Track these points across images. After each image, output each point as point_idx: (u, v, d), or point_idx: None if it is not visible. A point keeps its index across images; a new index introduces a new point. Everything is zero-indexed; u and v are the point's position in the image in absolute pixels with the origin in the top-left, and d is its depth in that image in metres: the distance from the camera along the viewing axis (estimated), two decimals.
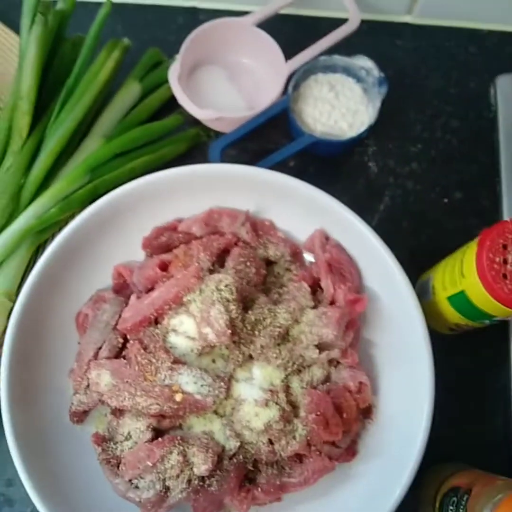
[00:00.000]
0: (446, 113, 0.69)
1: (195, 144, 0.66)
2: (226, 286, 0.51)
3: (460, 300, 0.49)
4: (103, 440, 0.52)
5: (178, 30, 0.70)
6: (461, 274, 0.48)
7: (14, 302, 0.56)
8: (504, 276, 0.43)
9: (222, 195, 0.59)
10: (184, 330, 0.52)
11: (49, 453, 0.52)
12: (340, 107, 0.64)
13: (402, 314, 0.54)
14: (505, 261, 0.43)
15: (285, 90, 0.63)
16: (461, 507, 0.43)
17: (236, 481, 0.50)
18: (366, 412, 0.55)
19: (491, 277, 0.43)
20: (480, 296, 0.45)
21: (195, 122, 0.66)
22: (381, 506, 0.50)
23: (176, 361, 0.51)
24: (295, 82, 0.63)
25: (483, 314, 0.48)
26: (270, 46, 0.64)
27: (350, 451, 0.54)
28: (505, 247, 0.43)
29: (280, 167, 0.59)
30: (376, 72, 0.63)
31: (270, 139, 0.66)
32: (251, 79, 0.68)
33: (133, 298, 0.55)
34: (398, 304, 0.54)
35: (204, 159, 0.66)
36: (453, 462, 0.54)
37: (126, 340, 0.54)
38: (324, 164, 0.67)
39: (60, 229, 0.60)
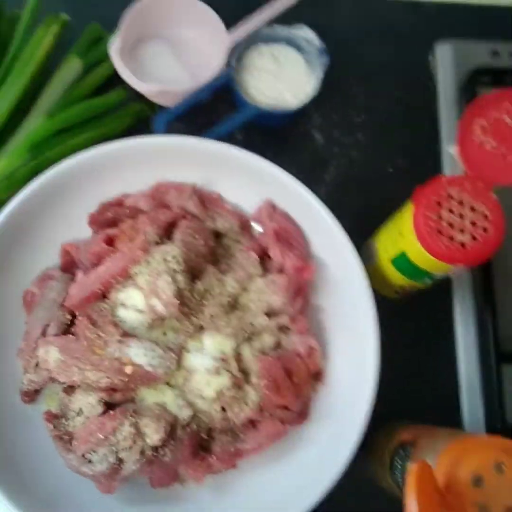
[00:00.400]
0: (388, 82, 0.70)
1: (139, 120, 0.65)
2: (173, 257, 0.51)
3: (401, 261, 0.51)
4: (55, 418, 0.52)
5: (119, 5, 0.69)
6: (400, 234, 0.49)
7: None
8: (439, 232, 0.44)
9: (168, 168, 0.59)
10: (133, 303, 0.52)
11: (1, 435, 0.52)
12: (283, 78, 0.64)
13: (348, 279, 0.55)
14: (440, 217, 0.44)
15: (228, 62, 0.63)
16: (407, 459, 0.45)
17: (189, 449, 0.51)
18: (317, 376, 0.56)
19: (427, 234, 0.44)
20: (419, 255, 0.47)
21: (140, 97, 0.66)
22: (333, 466, 0.51)
23: (125, 334, 0.51)
24: (238, 54, 0.63)
25: (424, 272, 0.49)
26: (210, 17, 0.63)
27: (302, 414, 0.55)
28: (439, 204, 0.44)
29: (227, 140, 0.59)
30: (317, 42, 0.63)
31: (217, 112, 0.66)
32: (194, 52, 0.68)
33: (79, 274, 0.54)
34: (344, 270, 0.55)
35: (149, 134, 0.65)
36: (400, 421, 0.56)
37: (74, 317, 0.53)
38: (270, 136, 0.67)
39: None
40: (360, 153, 0.67)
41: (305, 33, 0.64)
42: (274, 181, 0.57)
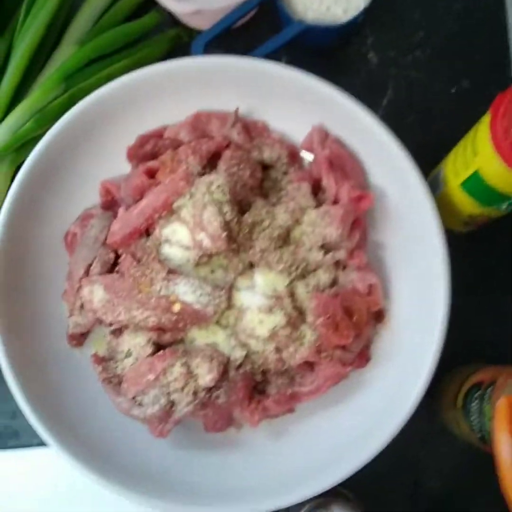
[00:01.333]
0: None
1: (176, 46, 0.61)
2: (217, 187, 0.47)
3: (474, 183, 0.45)
4: (103, 360, 0.50)
5: None
6: (474, 153, 0.43)
7: None
8: None
9: (209, 96, 0.55)
10: (178, 239, 0.48)
11: (49, 382, 0.50)
12: None
13: (413, 211, 0.50)
14: None
15: None
16: (486, 397, 0.41)
17: (244, 391, 0.48)
18: (378, 316, 0.52)
19: (508, 146, 0.38)
20: (497, 172, 0.41)
21: (176, 23, 0.61)
22: (398, 409, 0.47)
23: (171, 271, 0.47)
24: None
25: (500, 195, 0.44)
26: None
27: (363, 357, 0.51)
28: None
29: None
30: None
31: (259, 34, 0.60)
32: None
33: (121, 210, 0.51)
34: (408, 200, 0.50)
35: None
36: (472, 364, 0.51)
37: (118, 255, 0.51)
38: (318, 57, 0.61)
39: None
40: (419, 73, 0.61)
41: None
42: (326, 102, 0.51)
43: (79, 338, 0.52)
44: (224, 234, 0.46)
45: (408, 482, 0.55)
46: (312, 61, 0.61)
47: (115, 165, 0.55)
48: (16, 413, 0.56)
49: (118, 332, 0.50)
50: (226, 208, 0.47)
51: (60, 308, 0.53)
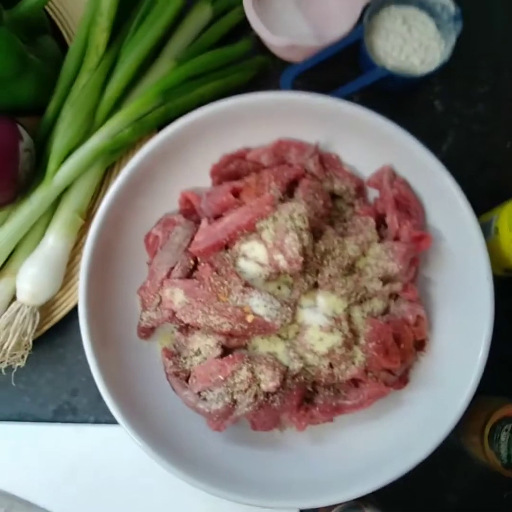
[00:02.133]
0: None
1: (261, 72, 0.66)
2: (299, 215, 0.52)
3: None
4: (172, 355, 0.55)
5: None
6: None
7: (84, 219, 0.58)
8: None
9: (289, 125, 0.59)
10: (255, 255, 0.53)
11: (120, 363, 0.55)
12: (413, 42, 0.63)
13: (465, 253, 0.55)
14: None
15: (359, 22, 0.62)
16: None
17: (297, 399, 0.54)
18: (420, 345, 0.58)
19: None
20: None
21: (262, 49, 0.66)
22: (433, 432, 0.53)
23: (246, 284, 0.53)
24: (368, 14, 0.62)
25: None
26: None
27: (403, 379, 0.57)
28: None
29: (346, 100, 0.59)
30: (452, 7, 0.62)
31: (337, 72, 0.65)
32: (320, 7, 0.66)
33: (204, 222, 0.56)
34: (462, 243, 0.56)
35: (270, 88, 0.65)
36: (500, 396, 0.57)
37: (196, 262, 0.56)
38: (388, 100, 0.66)
39: (129, 151, 0.61)
40: (480, 125, 0.66)
41: None
42: (396, 143, 0.56)
43: (148, 331, 0.57)
44: (302, 259, 0.51)
45: (427, 496, 0.61)
46: (381, 102, 0.66)
47: (195, 178, 0.60)
48: (78, 391, 0.62)
49: (186, 330, 0.55)
50: (305, 235, 0.52)
51: (133, 301, 0.58)
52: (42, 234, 0.57)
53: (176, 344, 0.56)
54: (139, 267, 0.58)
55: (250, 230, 0.53)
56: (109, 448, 0.60)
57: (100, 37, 0.55)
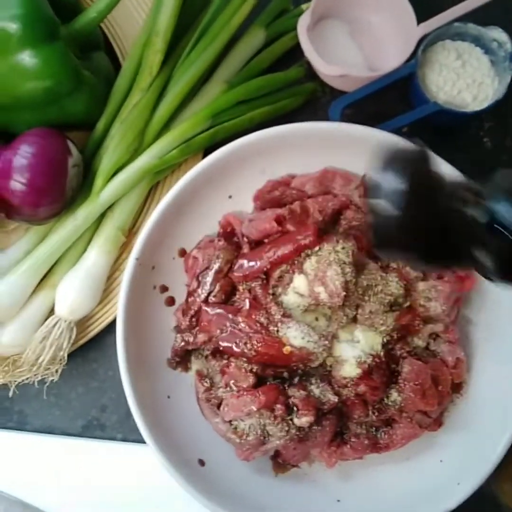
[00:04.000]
0: None
1: (310, 99, 0.65)
2: (343, 248, 0.52)
3: None
4: (205, 378, 0.55)
5: None
6: None
7: (126, 237, 0.58)
8: None
9: (335, 155, 0.59)
10: (295, 286, 0.53)
11: (153, 384, 0.55)
12: (466, 77, 0.62)
13: (508, 295, 0.54)
14: None
15: (413, 55, 0.62)
16: None
17: (330, 435, 0.53)
18: (457, 387, 0.56)
19: None
20: None
21: (313, 76, 0.65)
22: (466, 478, 0.52)
23: (285, 314, 0.52)
24: (423, 47, 0.62)
25: None
26: (402, 5, 0.62)
27: (437, 422, 0.55)
28: None
29: (395, 132, 0.58)
30: (509, 45, 0.61)
31: (387, 103, 0.65)
32: (373, 37, 0.66)
33: (246, 248, 0.56)
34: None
35: (317, 115, 0.65)
36: None
37: (235, 288, 0.55)
38: (437, 135, 0.66)
39: (173, 171, 0.61)
40: None
41: (497, 35, 0.61)
42: None
43: (182, 354, 0.57)
44: (344, 293, 0.50)
45: None
46: (430, 136, 0.66)
47: (237, 201, 0.60)
48: (107, 407, 0.62)
49: (219, 355, 0.55)
50: (348, 269, 0.51)
51: (171, 323, 0.58)
52: (84, 249, 0.57)
53: (209, 369, 0.56)
54: (178, 288, 0.58)
55: (293, 259, 0.53)
56: (136, 467, 0.60)
57: (155, 57, 0.56)
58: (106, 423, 0.61)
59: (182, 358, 0.57)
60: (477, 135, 0.66)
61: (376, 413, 0.53)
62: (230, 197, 0.60)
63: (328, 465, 0.53)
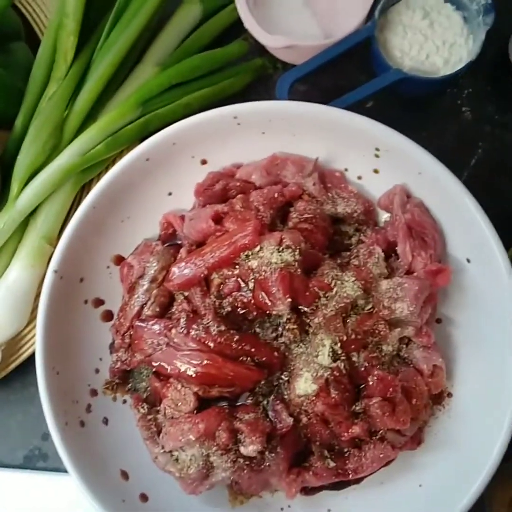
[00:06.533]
0: None
1: (259, 77, 0.58)
2: (288, 247, 0.44)
3: None
4: (143, 403, 0.48)
5: None
6: None
7: (54, 247, 0.52)
8: None
9: (287, 139, 0.52)
10: (236, 292, 0.46)
11: (82, 413, 0.49)
12: (435, 39, 0.54)
13: (492, 290, 0.47)
14: None
15: (369, 16, 0.53)
16: None
17: (285, 463, 0.46)
18: (437, 398, 0.49)
19: None
20: None
21: (261, 51, 0.58)
22: (449, 505, 0.44)
23: (227, 326, 0.45)
24: (382, 6, 0.53)
25: None
26: None
27: (416, 439, 0.48)
28: None
29: (356, 108, 0.51)
30: None
31: (346, 74, 0.57)
32: (328, 2, 0.58)
33: (183, 252, 0.49)
34: (489, 279, 0.47)
35: (269, 95, 0.58)
36: None
37: (172, 297, 0.48)
38: (408, 107, 0.58)
39: (107, 168, 0.55)
40: None
41: None
42: (412, 162, 0.48)
43: (121, 374, 0.50)
44: (289, 300, 0.43)
45: None
46: (400, 109, 0.58)
47: (180, 198, 0.53)
48: (49, 435, 0.55)
49: (163, 377, 0.48)
50: (294, 271, 0.44)
51: (105, 337, 0.51)
52: (7, 264, 0.51)
53: (150, 392, 0.49)
54: (116, 300, 0.52)
55: (231, 264, 0.46)
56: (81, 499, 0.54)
57: (67, 41, 0.49)
58: (49, 452, 0.55)
59: (122, 379, 0.51)
60: (455, 104, 0.58)
61: (341, 435, 0.45)
62: (170, 194, 0.53)
63: (288, 496, 0.46)
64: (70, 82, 0.50)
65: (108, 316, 0.52)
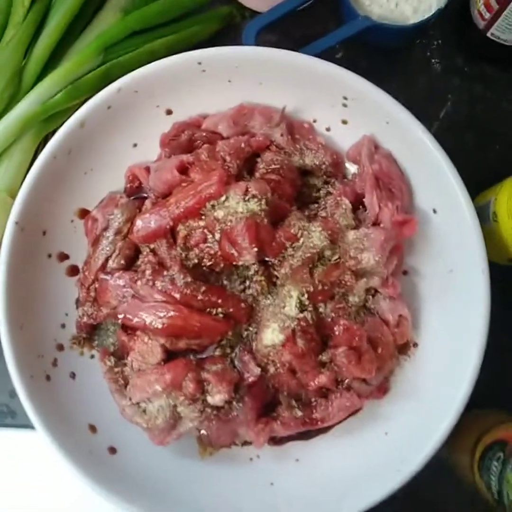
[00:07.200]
0: None
1: (226, 25, 0.56)
2: (255, 196, 0.44)
3: None
4: (110, 356, 0.48)
5: None
6: None
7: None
8: None
9: (254, 88, 0.51)
10: (203, 243, 0.45)
11: (48, 368, 0.48)
12: None
13: (458, 241, 0.47)
14: None
15: None
16: (510, 466, 0.38)
17: (254, 412, 0.46)
18: (403, 348, 0.49)
19: None
20: None
21: None
22: (414, 452, 0.45)
23: (194, 276, 0.45)
24: None
25: None
26: None
27: (381, 388, 0.49)
28: None
29: (326, 57, 0.49)
30: None
31: (316, 23, 0.56)
32: None
33: (148, 203, 0.48)
34: (453, 227, 0.47)
35: (236, 44, 0.56)
36: (497, 410, 0.49)
37: (137, 250, 0.48)
38: (378, 57, 0.57)
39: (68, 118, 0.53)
40: (485, 87, 0.56)
41: None
42: (379, 111, 0.48)
43: (88, 329, 0.50)
44: (255, 250, 0.43)
45: None
46: (370, 59, 0.57)
47: (147, 149, 0.52)
48: (15, 392, 0.55)
49: (128, 330, 0.48)
50: (261, 221, 0.43)
51: (70, 290, 0.50)
52: None
53: (118, 345, 0.49)
54: (81, 254, 0.51)
55: (197, 214, 0.45)
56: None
57: None
58: (16, 409, 0.55)
59: (90, 334, 0.50)
60: (424, 55, 0.57)
61: (308, 384, 0.46)
62: (135, 145, 0.52)
63: (256, 445, 0.47)
64: (28, 27, 0.48)
65: (73, 271, 0.51)
